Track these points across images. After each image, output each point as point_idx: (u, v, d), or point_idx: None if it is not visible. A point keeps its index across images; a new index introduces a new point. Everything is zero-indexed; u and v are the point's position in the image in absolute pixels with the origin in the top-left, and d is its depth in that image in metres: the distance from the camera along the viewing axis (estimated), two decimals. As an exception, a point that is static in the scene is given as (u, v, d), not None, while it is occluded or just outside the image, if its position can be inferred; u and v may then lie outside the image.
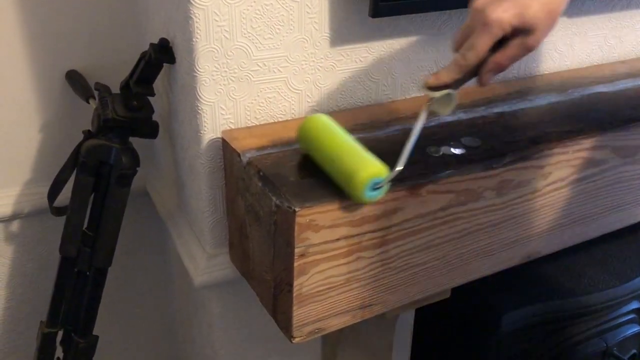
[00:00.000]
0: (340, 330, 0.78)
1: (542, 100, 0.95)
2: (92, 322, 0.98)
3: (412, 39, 0.91)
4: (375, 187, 0.64)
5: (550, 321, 1.08)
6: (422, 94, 0.67)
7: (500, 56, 0.61)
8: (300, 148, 0.75)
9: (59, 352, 1.02)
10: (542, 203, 0.86)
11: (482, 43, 0.61)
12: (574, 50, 1.10)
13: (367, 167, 0.64)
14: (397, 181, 0.71)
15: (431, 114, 0.67)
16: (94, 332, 0.99)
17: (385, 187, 0.66)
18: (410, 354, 1.23)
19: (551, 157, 0.83)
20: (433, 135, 0.81)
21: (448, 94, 0.66)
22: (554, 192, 0.86)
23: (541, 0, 0.58)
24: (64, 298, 0.96)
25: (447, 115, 0.68)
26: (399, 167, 0.65)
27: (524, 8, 0.57)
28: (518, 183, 0.81)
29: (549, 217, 0.88)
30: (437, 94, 0.66)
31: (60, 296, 0.96)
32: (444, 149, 0.77)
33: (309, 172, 0.72)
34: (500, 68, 0.63)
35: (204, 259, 0.90)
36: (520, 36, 0.59)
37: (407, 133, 0.82)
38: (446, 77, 0.65)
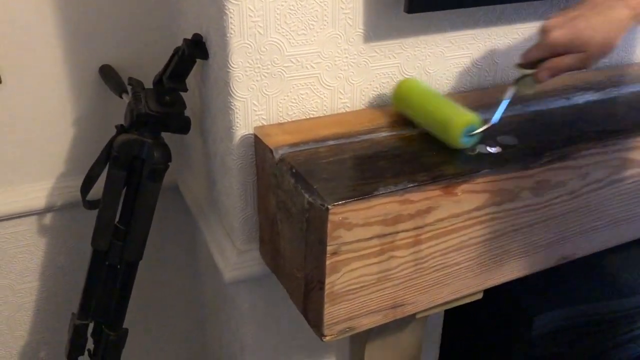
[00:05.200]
0: (369, 329, 0.77)
1: (580, 99, 0.93)
2: (123, 315, 0.99)
3: (447, 35, 0.90)
4: (469, 134, 0.74)
5: (583, 325, 1.06)
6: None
7: (555, 61, 0.73)
8: (396, 107, 0.85)
9: (90, 343, 1.03)
10: (579, 204, 0.84)
11: (538, 54, 0.74)
12: (613, 47, 1.07)
13: (463, 115, 0.74)
14: (432, 180, 0.70)
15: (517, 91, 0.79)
16: (124, 325, 1.00)
17: (478, 136, 0.75)
18: (439, 355, 1.22)
19: (589, 157, 0.81)
20: (468, 134, 0.80)
21: (527, 75, 0.77)
22: (591, 193, 0.84)
23: (597, 29, 0.70)
24: (95, 291, 0.97)
25: (529, 93, 0.79)
26: (494, 121, 0.75)
27: (579, 33, 0.70)
28: (555, 183, 0.79)
29: (585, 219, 0.86)
30: (522, 71, 0.77)
31: (91, 289, 0.97)
32: (480, 148, 0.76)
33: (342, 169, 0.71)
34: (554, 71, 0.73)
35: (234, 255, 0.90)
36: (576, 52, 0.72)
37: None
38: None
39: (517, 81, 0.78)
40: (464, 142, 0.74)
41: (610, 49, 0.71)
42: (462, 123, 0.73)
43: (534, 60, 0.75)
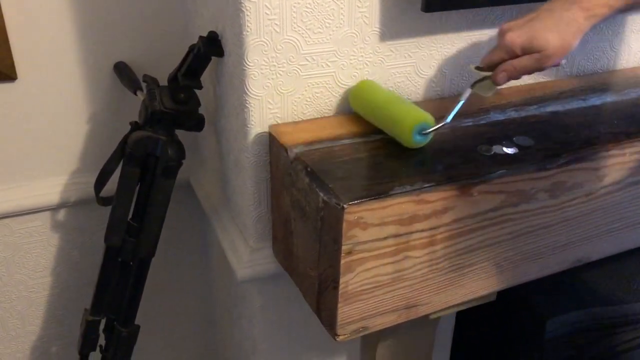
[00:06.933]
0: (381, 329, 0.77)
1: (597, 100, 0.92)
2: (134, 312, 1.00)
3: (463, 34, 0.89)
4: (422, 132, 0.73)
5: (597, 328, 1.05)
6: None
7: (512, 63, 0.74)
8: (353, 108, 0.84)
9: (102, 339, 1.03)
10: (595, 206, 0.83)
11: (496, 56, 0.76)
12: (631, 48, 1.06)
13: (414, 114, 0.74)
14: (448, 180, 0.69)
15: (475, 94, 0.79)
16: (136, 322, 1.01)
17: (430, 135, 0.75)
18: (450, 356, 1.21)
19: (607, 159, 0.80)
20: (485, 134, 0.79)
21: (486, 78, 0.77)
22: (608, 195, 0.83)
23: (552, 30, 0.72)
24: (108, 287, 0.98)
25: (488, 96, 0.79)
26: (447, 120, 0.74)
27: (535, 33, 0.72)
28: (572, 185, 0.79)
29: (602, 221, 0.85)
30: (480, 73, 0.78)
31: (104, 285, 0.97)
32: (496, 148, 0.75)
33: (357, 168, 0.71)
34: (511, 72, 0.75)
35: (247, 253, 0.90)
36: (533, 54, 0.73)
37: (458, 128, 0.81)
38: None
39: (475, 84, 0.78)
40: (416, 140, 0.74)
41: (566, 49, 0.72)
42: (413, 121, 0.73)
43: (493, 63, 0.76)
